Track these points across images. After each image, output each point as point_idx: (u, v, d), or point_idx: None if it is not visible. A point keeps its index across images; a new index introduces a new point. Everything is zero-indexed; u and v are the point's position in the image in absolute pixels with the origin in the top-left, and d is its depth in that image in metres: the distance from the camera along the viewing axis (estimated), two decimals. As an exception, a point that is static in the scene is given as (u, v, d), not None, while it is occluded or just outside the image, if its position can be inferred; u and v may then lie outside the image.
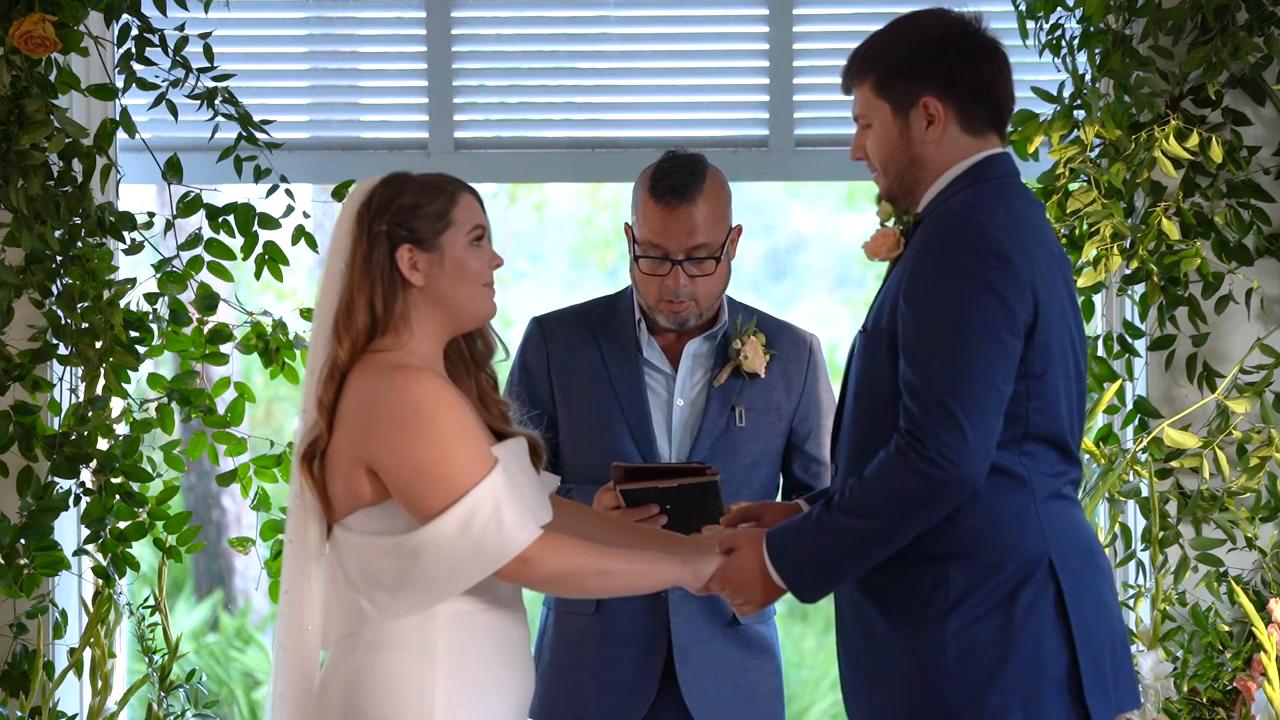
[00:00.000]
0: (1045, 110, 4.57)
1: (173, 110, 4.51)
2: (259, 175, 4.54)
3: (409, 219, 3.07)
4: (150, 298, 4.53)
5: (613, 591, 3.22)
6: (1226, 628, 4.50)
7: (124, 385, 4.45)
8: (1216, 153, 4.41)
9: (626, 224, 3.82)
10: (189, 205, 4.55)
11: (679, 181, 3.72)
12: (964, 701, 2.97)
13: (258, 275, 4.58)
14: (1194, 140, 4.41)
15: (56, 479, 4.41)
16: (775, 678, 3.88)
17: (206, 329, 4.55)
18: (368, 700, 3.02)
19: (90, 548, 4.47)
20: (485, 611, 3.07)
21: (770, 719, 3.87)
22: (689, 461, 3.74)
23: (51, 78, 4.43)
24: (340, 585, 3.07)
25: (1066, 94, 4.57)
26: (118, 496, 4.44)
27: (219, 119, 4.53)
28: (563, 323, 3.89)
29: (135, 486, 4.47)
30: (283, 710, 3.10)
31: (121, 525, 4.47)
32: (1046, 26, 4.61)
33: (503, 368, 3.32)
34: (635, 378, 3.81)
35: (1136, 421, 4.61)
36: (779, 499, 3.88)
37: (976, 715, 2.97)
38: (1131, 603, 4.53)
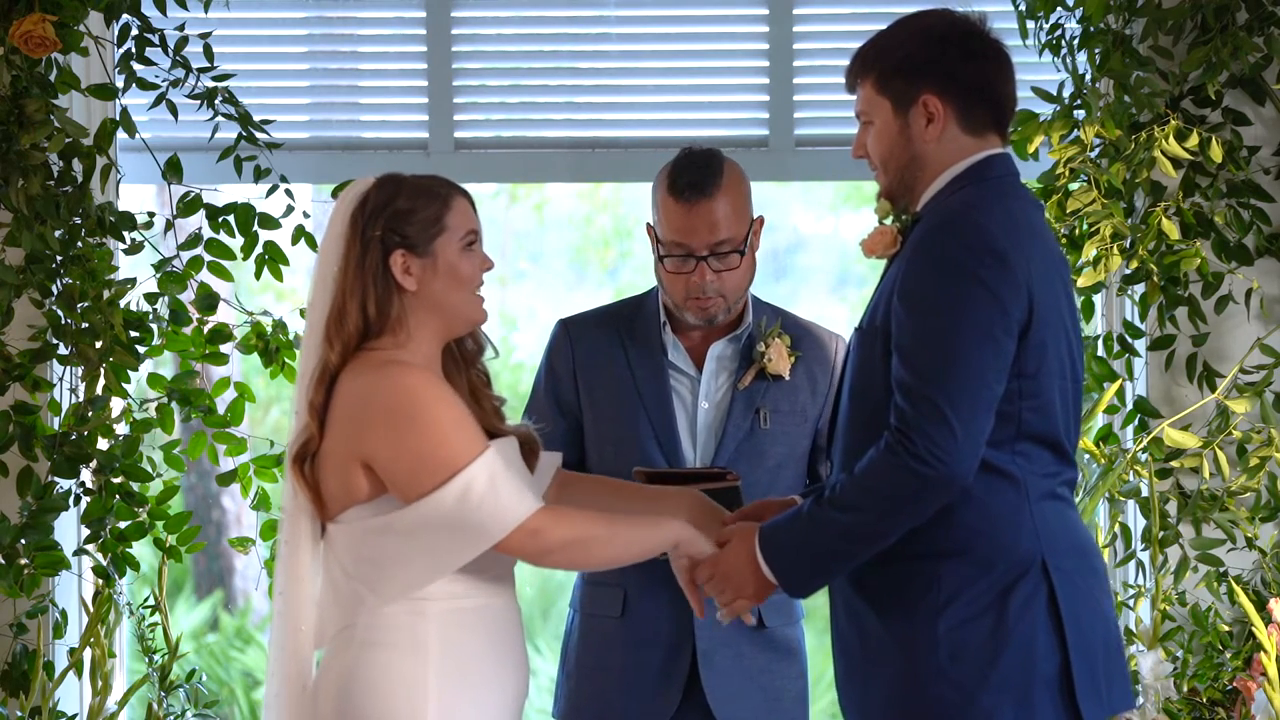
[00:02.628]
0: (1045, 110, 4.57)
1: (173, 110, 4.51)
2: (259, 175, 4.54)
3: (403, 224, 3.08)
4: (150, 298, 4.53)
5: (619, 560, 3.21)
6: (1226, 628, 4.50)
7: (124, 385, 4.44)
8: (1216, 153, 4.41)
9: (648, 224, 3.81)
10: (189, 205, 4.55)
11: (697, 178, 3.70)
12: (955, 700, 2.97)
13: (258, 275, 4.58)
14: (1194, 140, 4.41)
15: (56, 479, 4.41)
16: (801, 680, 3.86)
17: (206, 329, 4.55)
18: (361, 697, 3.02)
19: (90, 548, 4.47)
20: (478, 607, 3.07)
21: None
22: (710, 466, 3.73)
23: (51, 78, 4.43)
24: (336, 577, 3.08)
25: (1066, 94, 4.57)
26: (118, 496, 4.44)
27: (219, 119, 4.53)
28: (588, 325, 3.88)
29: (135, 486, 4.47)
30: (278, 709, 3.11)
31: (121, 525, 4.47)
32: (1046, 26, 4.61)
33: (492, 366, 3.33)
34: (660, 380, 3.80)
35: (1136, 421, 4.61)
36: None
37: (968, 714, 2.97)
38: (1131, 603, 4.53)
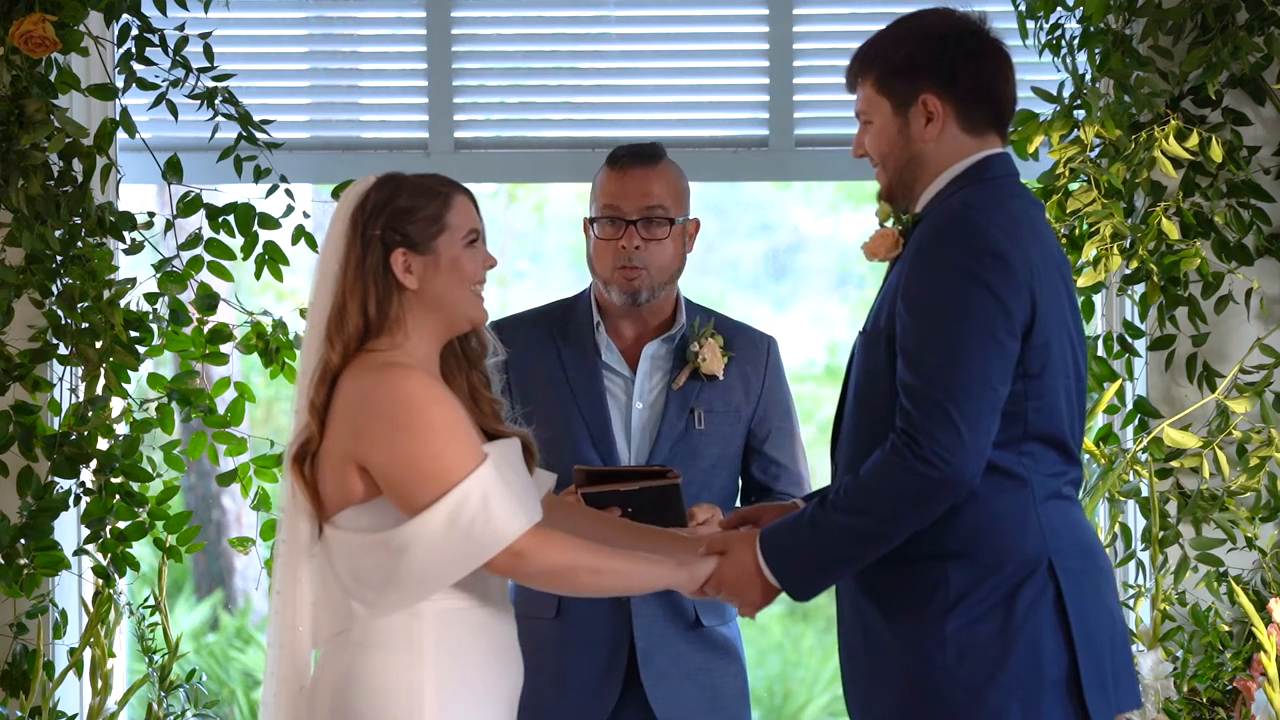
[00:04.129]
0: (1045, 110, 4.57)
1: (173, 110, 4.51)
2: (259, 175, 4.54)
3: (404, 223, 3.07)
4: (150, 298, 4.53)
5: (606, 590, 3.22)
6: (1226, 628, 4.50)
7: (124, 385, 4.44)
8: (1216, 153, 4.41)
9: (585, 219, 3.84)
10: (189, 205, 4.55)
11: (636, 150, 3.82)
12: (963, 701, 2.97)
13: (258, 275, 4.58)
14: (1194, 140, 4.41)
15: (56, 479, 4.40)
16: (740, 678, 3.88)
17: (206, 329, 4.55)
18: (358, 700, 3.02)
19: (90, 548, 4.46)
20: (473, 609, 3.07)
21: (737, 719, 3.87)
22: (650, 464, 3.74)
23: (51, 78, 4.43)
24: (330, 584, 3.07)
25: (1066, 94, 4.57)
26: (118, 496, 4.44)
27: (219, 119, 4.53)
28: (521, 326, 3.89)
29: (135, 486, 4.46)
30: (275, 709, 3.11)
31: (121, 525, 4.47)
32: (1046, 26, 4.61)
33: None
34: (594, 381, 3.82)
35: (1136, 421, 4.61)
36: (738, 502, 3.89)
37: (975, 715, 2.97)
38: (1131, 603, 4.53)
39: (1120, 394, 4.55)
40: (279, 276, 4.59)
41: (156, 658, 4.52)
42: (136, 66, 4.52)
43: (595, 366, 3.83)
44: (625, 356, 3.85)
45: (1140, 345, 4.64)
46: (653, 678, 3.76)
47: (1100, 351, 4.59)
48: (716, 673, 3.83)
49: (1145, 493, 4.51)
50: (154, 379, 4.55)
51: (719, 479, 3.81)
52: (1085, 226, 4.50)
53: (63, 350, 4.43)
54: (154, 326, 4.51)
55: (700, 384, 3.82)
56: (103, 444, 4.45)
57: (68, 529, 4.57)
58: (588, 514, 3.41)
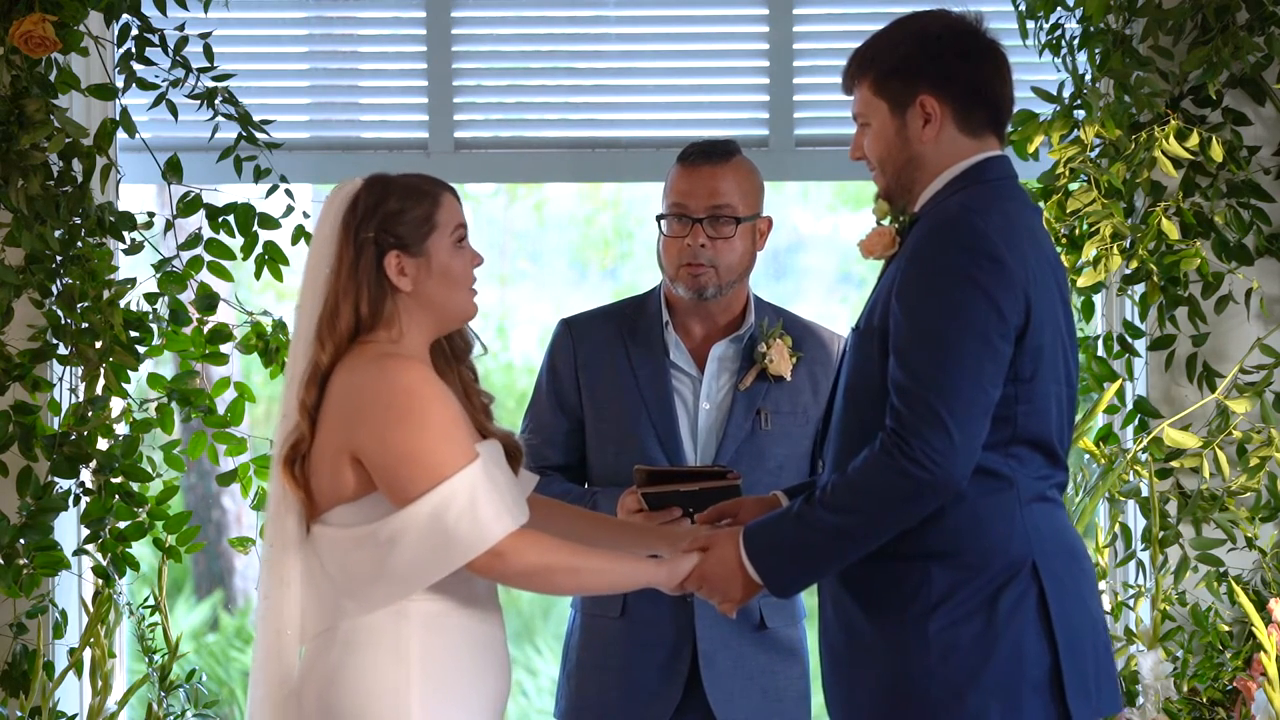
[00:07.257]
0: (1045, 110, 4.57)
1: (173, 110, 4.51)
2: (259, 175, 4.54)
3: (395, 225, 3.08)
4: (150, 298, 4.53)
5: (585, 590, 3.25)
6: (1226, 628, 4.50)
7: (124, 385, 4.45)
8: (1216, 152, 4.41)
9: (658, 215, 3.83)
10: (189, 205, 4.55)
11: (707, 148, 3.80)
12: (943, 701, 2.97)
13: (258, 275, 4.59)
14: (1194, 140, 4.41)
15: (56, 479, 4.41)
16: (803, 681, 3.86)
17: (206, 329, 4.55)
18: (344, 700, 3.03)
19: (90, 548, 4.47)
20: (459, 611, 3.07)
21: None
22: (712, 465, 3.73)
23: (51, 78, 4.43)
24: (318, 580, 3.07)
25: (1066, 94, 4.57)
26: (117, 496, 4.44)
27: (219, 119, 4.53)
28: (591, 324, 3.90)
29: (135, 486, 4.47)
30: (262, 711, 3.10)
31: (121, 525, 4.47)
32: (1046, 26, 4.61)
33: (487, 365, 3.32)
34: (662, 381, 3.81)
35: (1136, 421, 4.61)
36: None
37: (955, 715, 2.97)
38: (1131, 603, 4.53)
39: (1120, 394, 4.55)
40: (279, 276, 4.60)
41: (156, 658, 4.52)
42: (136, 66, 4.52)
43: (663, 366, 3.83)
44: (694, 356, 3.85)
45: (1140, 345, 4.64)
46: (713, 678, 3.76)
47: (1100, 351, 4.59)
48: (780, 675, 3.82)
49: (1145, 493, 4.51)
50: (154, 379, 4.55)
51: (786, 480, 3.77)
52: (1085, 226, 4.50)
53: (63, 350, 4.43)
54: (154, 326, 4.51)
55: (768, 385, 3.82)
56: (103, 444, 4.46)
57: (68, 529, 4.57)
58: (567, 511, 3.42)
